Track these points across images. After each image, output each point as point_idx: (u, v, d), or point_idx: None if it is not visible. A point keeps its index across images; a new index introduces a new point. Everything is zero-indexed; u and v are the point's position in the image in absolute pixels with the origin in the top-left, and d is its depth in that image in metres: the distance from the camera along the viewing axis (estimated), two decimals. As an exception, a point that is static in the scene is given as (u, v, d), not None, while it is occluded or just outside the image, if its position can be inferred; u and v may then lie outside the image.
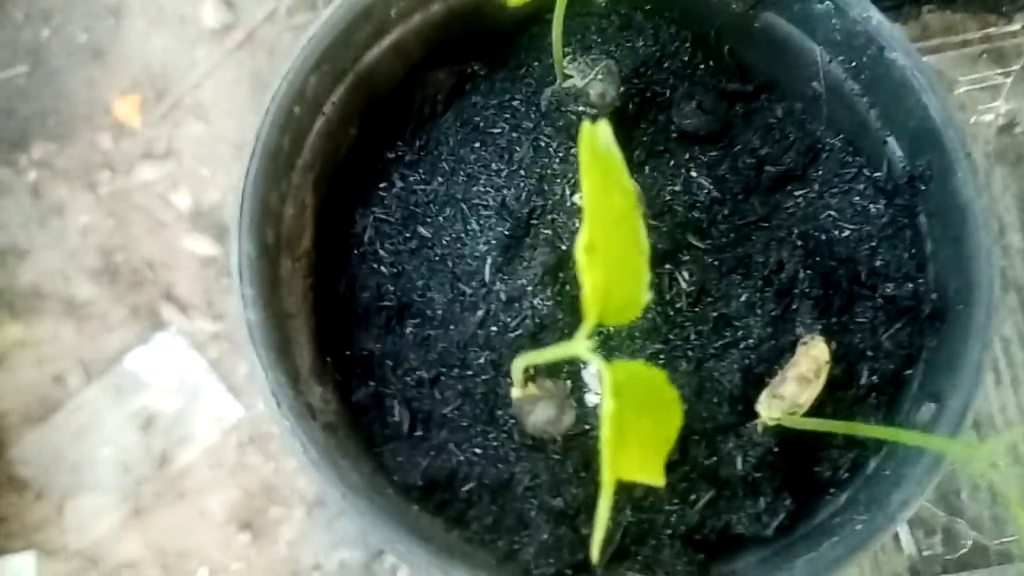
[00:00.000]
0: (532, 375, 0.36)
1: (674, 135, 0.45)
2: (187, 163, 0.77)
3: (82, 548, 0.76)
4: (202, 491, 0.74)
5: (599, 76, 0.41)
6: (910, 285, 0.41)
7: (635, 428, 0.25)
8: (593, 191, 0.25)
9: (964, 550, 0.53)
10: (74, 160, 0.78)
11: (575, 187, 0.42)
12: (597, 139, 0.25)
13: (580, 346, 0.25)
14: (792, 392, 0.34)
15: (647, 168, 0.45)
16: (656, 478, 0.27)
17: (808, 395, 0.34)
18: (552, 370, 0.41)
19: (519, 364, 0.30)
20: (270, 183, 0.39)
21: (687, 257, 0.42)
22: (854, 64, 0.42)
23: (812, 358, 0.35)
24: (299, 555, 0.70)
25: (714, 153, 0.45)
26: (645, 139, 0.45)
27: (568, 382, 0.41)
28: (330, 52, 0.40)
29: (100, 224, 0.77)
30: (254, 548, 0.72)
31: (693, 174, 0.44)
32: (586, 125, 0.25)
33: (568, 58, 0.43)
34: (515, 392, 0.35)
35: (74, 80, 0.79)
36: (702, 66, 0.46)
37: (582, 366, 0.42)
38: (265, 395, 0.35)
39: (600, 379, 0.25)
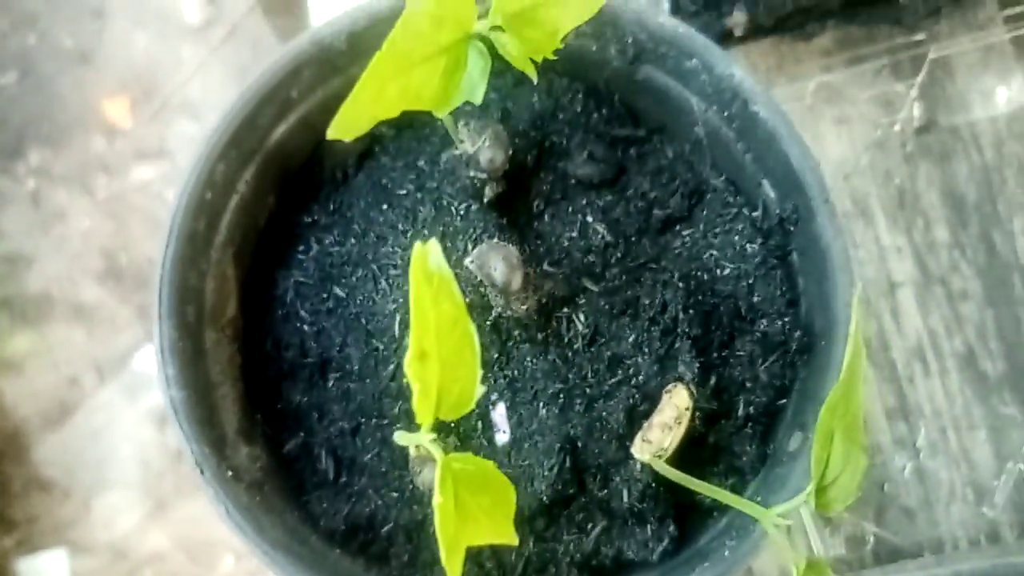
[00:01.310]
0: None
1: (572, 182, 0.48)
2: (180, 161, 0.79)
3: (111, 542, 0.80)
4: (221, 482, 0.78)
5: (487, 143, 0.44)
6: (781, 321, 0.44)
7: (477, 504, 0.29)
8: (421, 304, 0.28)
9: (869, 544, 0.57)
10: (70, 165, 0.80)
11: (474, 246, 0.45)
12: (427, 258, 0.29)
13: (423, 439, 0.29)
14: (657, 438, 0.38)
15: (546, 216, 0.48)
16: (508, 539, 0.31)
17: (671, 439, 0.38)
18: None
19: (397, 438, 0.34)
20: (188, 265, 0.42)
21: (583, 301, 0.46)
22: (726, 114, 0.45)
23: (674, 406, 0.38)
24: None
25: (609, 198, 0.48)
26: (544, 188, 0.48)
27: (479, 422, 0.45)
28: (236, 138, 0.44)
29: (101, 227, 0.79)
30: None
31: (589, 219, 0.48)
32: (417, 247, 0.29)
33: (462, 121, 0.46)
34: (411, 452, 0.39)
35: (63, 84, 0.81)
36: (595, 114, 0.49)
37: (491, 407, 0.46)
38: (190, 464, 0.40)
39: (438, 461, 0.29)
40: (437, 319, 0.29)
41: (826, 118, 0.67)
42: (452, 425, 0.43)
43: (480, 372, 0.30)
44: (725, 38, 0.62)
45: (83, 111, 0.80)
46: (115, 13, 0.80)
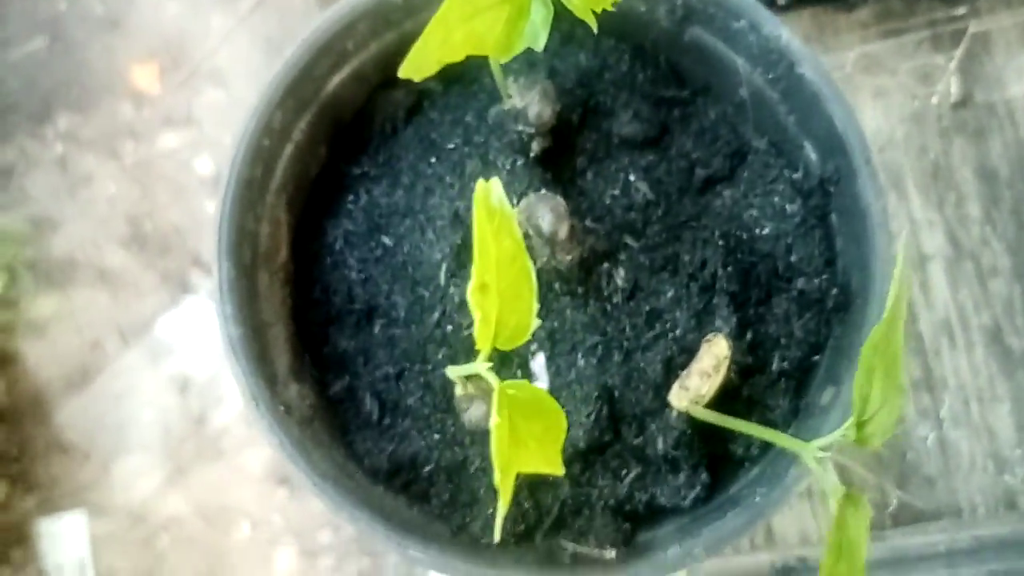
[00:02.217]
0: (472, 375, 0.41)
1: (615, 142, 0.49)
2: (207, 129, 0.80)
3: (129, 505, 0.82)
4: (240, 449, 0.80)
5: (536, 98, 0.46)
6: (818, 279, 0.45)
7: (528, 431, 0.31)
8: (484, 239, 0.30)
9: (891, 507, 0.58)
10: (98, 130, 0.81)
11: (519, 200, 0.46)
12: (490, 194, 0.30)
13: (480, 367, 0.30)
14: (695, 385, 0.39)
15: (589, 174, 0.49)
16: (555, 468, 0.33)
17: (709, 387, 0.39)
18: (505, 360, 0.46)
19: (450, 372, 0.36)
20: (245, 209, 0.44)
21: (623, 256, 0.47)
22: (771, 76, 0.46)
23: (713, 355, 0.39)
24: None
25: (652, 157, 0.49)
26: (588, 146, 0.49)
27: (519, 371, 0.46)
28: (294, 87, 0.45)
29: (127, 192, 0.80)
30: (293, 502, 0.77)
31: (631, 178, 0.49)
32: (480, 183, 0.30)
33: (512, 78, 0.47)
34: (457, 391, 0.40)
35: (92, 50, 0.81)
36: (640, 75, 0.50)
37: (531, 357, 0.47)
38: (245, 398, 0.41)
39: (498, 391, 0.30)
40: (498, 254, 0.30)
41: (864, 90, 0.68)
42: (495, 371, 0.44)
43: (536, 305, 0.31)
44: (767, 7, 0.62)
45: (112, 77, 0.82)
46: (147, -20, 0.81)
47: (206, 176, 0.80)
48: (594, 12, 0.36)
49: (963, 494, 0.64)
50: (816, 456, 0.31)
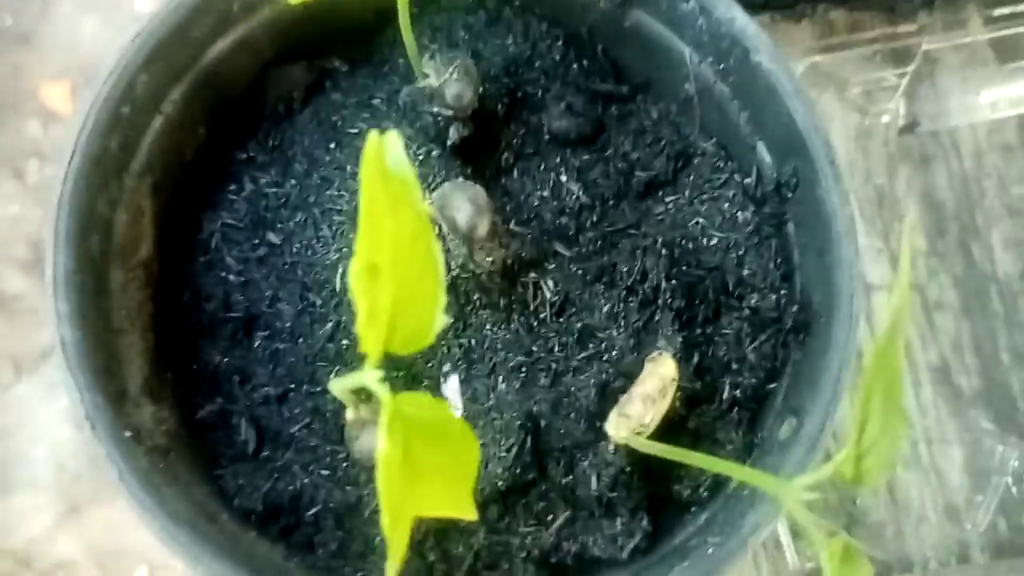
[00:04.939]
0: (366, 397, 0.34)
1: (545, 138, 0.43)
2: None
3: (15, 548, 0.74)
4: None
5: (455, 76, 0.39)
6: (774, 296, 0.39)
7: (431, 462, 0.24)
8: (375, 209, 0.23)
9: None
10: (1, 148, 0.75)
11: (431, 192, 0.40)
12: (384, 152, 0.23)
13: (367, 377, 0.23)
14: (638, 411, 0.32)
15: (515, 172, 0.43)
16: (466, 512, 0.26)
17: (654, 414, 0.32)
18: (408, 382, 0.39)
19: (332, 387, 0.28)
20: (94, 190, 0.36)
21: (553, 266, 0.41)
22: (722, 67, 0.41)
23: (659, 376, 0.33)
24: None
25: (586, 157, 0.43)
26: (515, 141, 0.43)
27: (428, 395, 0.39)
28: (164, 49, 0.38)
29: (29, 214, 0.74)
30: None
31: (563, 178, 0.43)
32: (372, 136, 0.23)
33: (428, 55, 0.41)
34: (348, 415, 0.33)
35: (0, 66, 0.76)
36: (575, 65, 0.44)
37: (442, 379, 0.40)
38: (78, 418, 0.33)
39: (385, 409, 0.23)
40: (394, 229, 0.23)
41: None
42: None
43: (444, 298, 0.24)
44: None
45: (18, 94, 0.75)
46: (62, -6, 0.76)
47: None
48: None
49: (913, 544, 0.59)
50: (800, 498, 0.24)
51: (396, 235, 0.23)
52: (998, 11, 0.63)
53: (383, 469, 0.21)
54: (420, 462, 0.23)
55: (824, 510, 0.57)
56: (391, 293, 0.23)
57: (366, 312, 0.22)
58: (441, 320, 0.24)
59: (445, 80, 0.39)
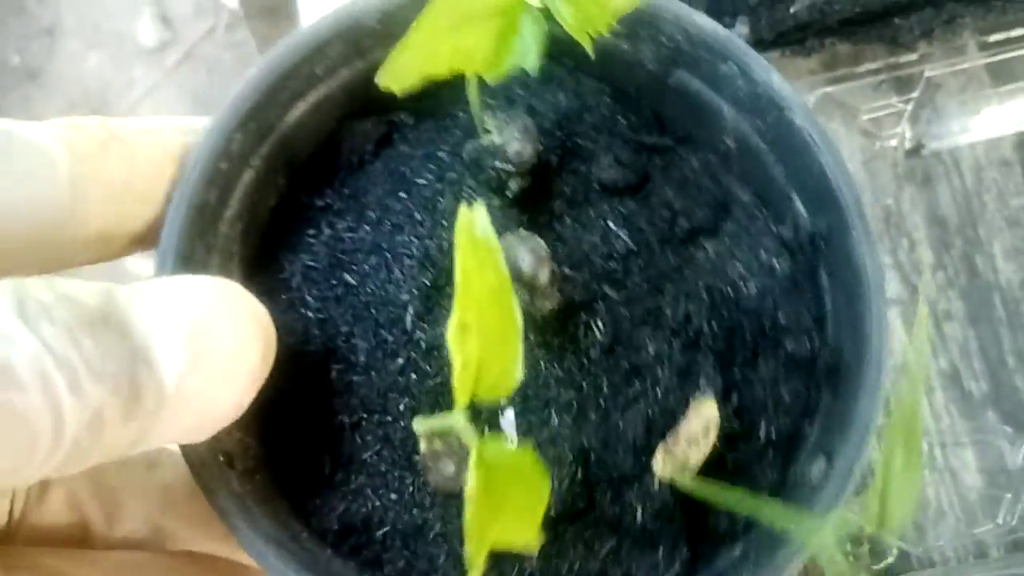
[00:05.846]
0: (441, 432, 0.37)
1: (595, 187, 0.47)
2: None
3: None
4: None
5: (516, 135, 0.43)
6: (808, 341, 0.42)
7: (506, 497, 0.27)
8: (467, 272, 0.26)
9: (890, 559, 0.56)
10: None
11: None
12: (474, 223, 0.27)
13: (456, 420, 0.27)
14: (683, 451, 0.36)
15: (567, 219, 0.46)
16: (531, 541, 0.29)
17: (697, 454, 0.36)
18: (472, 416, 0.43)
19: (416, 426, 0.32)
20: (194, 237, 0.40)
21: (602, 307, 0.44)
22: (759, 123, 0.44)
23: (702, 417, 0.36)
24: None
25: (632, 205, 0.47)
26: (566, 190, 0.47)
27: (486, 426, 0.42)
28: (256, 110, 0.42)
29: None
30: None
31: (611, 225, 0.46)
32: (463, 210, 0.27)
33: (489, 113, 0.44)
34: (422, 446, 0.36)
35: (9, 102, 0.78)
36: (622, 119, 0.48)
37: (501, 415, 0.43)
38: (181, 449, 0.37)
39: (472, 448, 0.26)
40: (481, 289, 0.27)
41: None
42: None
43: (522, 351, 0.28)
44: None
45: None
46: (67, 31, 0.78)
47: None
48: (589, 35, 0.33)
49: (932, 540, 0.62)
50: (827, 539, 0.27)
51: (482, 294, 0.27)
52: (993, 37, 0.67)
53: (470, 503, 0.25)
54: (500, 498, 0.27)
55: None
56: (478, 347, 0.26)
57: (461, 364, 0.26)
58: (520, 372, 0.27)
59: (507, 138, 0.43)
